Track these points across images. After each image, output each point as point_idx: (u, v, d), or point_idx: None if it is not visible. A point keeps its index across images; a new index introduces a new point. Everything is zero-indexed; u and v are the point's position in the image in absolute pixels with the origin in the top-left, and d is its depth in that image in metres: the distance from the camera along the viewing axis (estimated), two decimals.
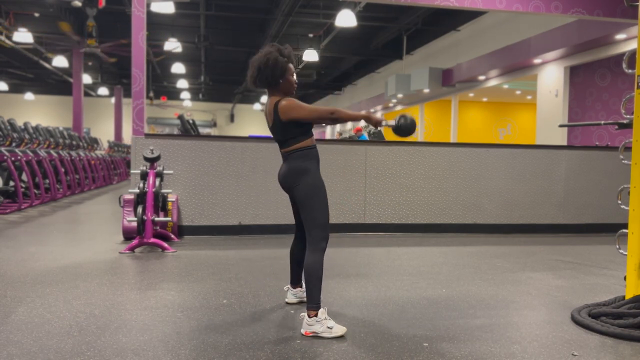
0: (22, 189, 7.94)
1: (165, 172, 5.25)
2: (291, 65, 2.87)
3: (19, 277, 3.75)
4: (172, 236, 5.41)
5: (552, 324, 2.94)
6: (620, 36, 8.96)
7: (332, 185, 5.98)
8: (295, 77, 2.91)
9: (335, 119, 2.77)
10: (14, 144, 8.49)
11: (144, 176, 4.96)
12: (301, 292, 3.21)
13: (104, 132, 26.03)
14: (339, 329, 2.66)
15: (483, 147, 6.48)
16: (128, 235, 5.36)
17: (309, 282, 2.73)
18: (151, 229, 4.83)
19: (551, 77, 11.25)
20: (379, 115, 2.95)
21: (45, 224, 6.51)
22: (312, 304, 2.70)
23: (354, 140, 8.43)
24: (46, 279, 3.71)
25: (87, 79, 19.14)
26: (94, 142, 14.05)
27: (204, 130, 27.97)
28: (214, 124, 31.85)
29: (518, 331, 2.81)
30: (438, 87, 15.07)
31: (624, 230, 3.07)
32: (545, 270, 4.36)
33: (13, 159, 7.60)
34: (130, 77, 5.72)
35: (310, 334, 2.66)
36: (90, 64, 20.08)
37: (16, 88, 26.94)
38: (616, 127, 3.49)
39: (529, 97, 16.64)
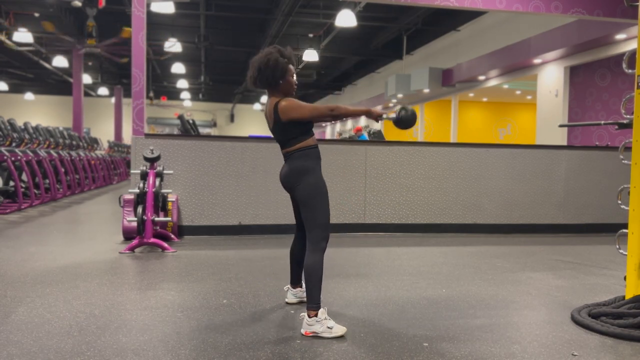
0: (22, 189, 7.94)
1: (165, 172, 5.25)
2: (291, 67, 2.88)
3: (19, 277, 3.75)
4: (172, 236, 5.41)
5: (552, 324, 2.94)
6: (620, 36, 8.96)
7: (332, 185, 5.98)
8: (295, 78, 2.92)
9: (335, 115, 2.78)
10: (14, 144, 8.49)
11: (144, 176, 4.96)
12: (301, 292, 3.21)
13: (104, 132, 26.04)
14: (339, 329, 2.66)
15: (483, 147, 6.48)
16: (128, 235, 5.36)
17: (309, 282, 2.73)
18: (151, 229, 4.83)
19: (551, 77, 11.25)
20: (379, 108, 2.97)
21: (45, 224, 6.51)
22: (312, 304, 2.70)
23: (354, 140, 8.43)
24: (46, 279, 3.71)
25: (87, 79, 19.15)
26: (94, 142, 14.05)
27: (204, 130, 27.97)
28: (214, 124, 31.86)
29: (518, 331, 2.81)
30: (438, 87, 15.07)
31: (624, 230, 3.07)
32: (545, 270, 4.36)
33: (13, 159, 7.60)
34: (130, 77, 5.72)
35: (310, 334, 2.66)
36: (90, 64, 20.08)
37: (16, 88, 26.95)
38: (616, 127, 3.49)
39: (529, 97, 16.65)
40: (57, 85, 25.19)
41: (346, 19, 10.33)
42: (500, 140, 18.13)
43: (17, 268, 4.02)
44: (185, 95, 26.67)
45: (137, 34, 5.68)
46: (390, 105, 19.53)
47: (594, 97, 11.20)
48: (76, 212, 7.82)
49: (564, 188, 6.60)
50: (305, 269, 2.74)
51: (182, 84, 22.81)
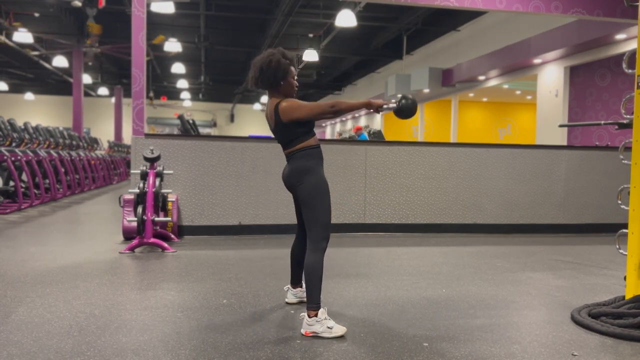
0: (22, 189, 7.94)
1: (165, 172, 5.25)
2: (293, 68, 2.89)
3: (19, 277, 3.75)
4: (172, 236, 5.41)
5: (552, 324, 2.94)
6: (620, 36, 8.96)
7: (332, 185, 5.97)
8: (296, 80, 2.93)
9: (336, 111, 2.77)
10: (14, 144, 8.49)
11: (144, 176, 4.96)
12: (301, 292, 3.21)
13: (104, 132, 26.04)
14: (339, 329, 2.66)
15: (483, 147, 6.48)
16: (128, 235, 5.36)
17: (309, 282, 2.73)
18: (151, 229, 4.83)
19: (551, 77, 11.25)
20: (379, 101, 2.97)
21: (45, 224, 6.51)
22: (312, 304, 2.70)
23: (354, 140, 8.43)
24: (46, 279, 3.71)
25: (87, 79, 19.15)
26: (94, 142, 14.05)
27: (204, 130, 27.98)
28: (214, 124, 31.86)
29: (518, 331, 2.81)
30: (438, 87, 15.07)
31: (624, 230, 3.07)
32: (545, 270, 4.36)
33: (13, 159, 7.60)
34: (130, 77, 5.72)
35: (310, 334, 2.66)
36: (90, 64, 20.08)
37: (16, 88, 26.95)
38: (616, 127, 3.49)
39: (529, 97, 16.65)
40: (57, 85, 25.19)
41: (346, 19, 10.33)
42: (500, 140, 18.13)
43: (17, 268, 4.02)
44: (185, 95, 26.67)
45: (137, 34, 5.68)
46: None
47: (594, 97, 11.20)
48: (76, 212, 7.82)
49: (564, 188, 6.60)
50: (306, 269, 2.75)
51: (182, 84, 22.82)
